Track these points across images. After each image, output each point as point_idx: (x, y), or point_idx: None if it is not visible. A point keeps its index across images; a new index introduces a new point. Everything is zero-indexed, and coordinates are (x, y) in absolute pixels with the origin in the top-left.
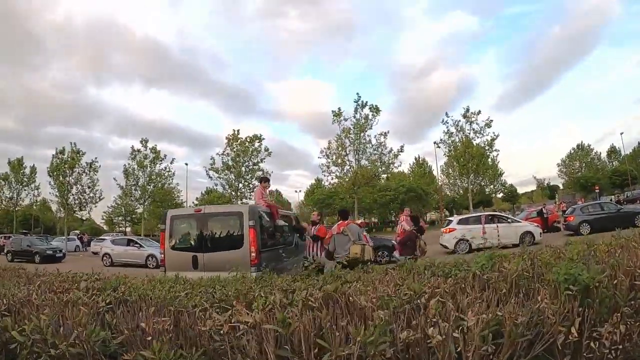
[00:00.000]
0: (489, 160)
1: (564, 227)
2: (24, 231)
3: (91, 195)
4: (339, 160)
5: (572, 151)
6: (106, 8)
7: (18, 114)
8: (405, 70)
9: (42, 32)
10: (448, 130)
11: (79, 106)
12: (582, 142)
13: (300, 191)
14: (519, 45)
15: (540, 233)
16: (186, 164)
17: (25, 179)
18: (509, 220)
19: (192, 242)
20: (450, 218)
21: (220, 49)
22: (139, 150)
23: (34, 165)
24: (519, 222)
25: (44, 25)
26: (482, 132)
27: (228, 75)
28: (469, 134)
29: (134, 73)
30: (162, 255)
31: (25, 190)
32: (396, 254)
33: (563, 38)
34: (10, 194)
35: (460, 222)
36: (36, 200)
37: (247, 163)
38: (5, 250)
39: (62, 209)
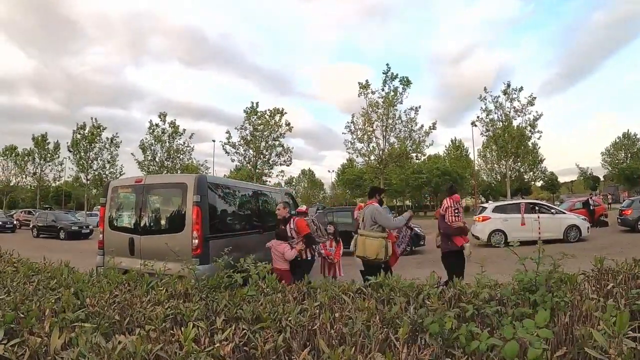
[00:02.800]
0: (530, 144)
1: (619, 222)
2: (46, 206)
3: (111, 170)
4: (365, 137)
5: (618, 140)
6: None
7: (59, 96)
8: (444, 54)
9: (81, 18)
10: (486, 107)
11: (119, 88)
12: (628, 131)
13: (333, 171)
14: (559, 31)
15: (588, 228)
16: (213, 141)
17: (48, 155)
18: (552, 210)
19: (131, 221)
20: (484, 205)
21: (257, 33)
22: (157, 125)
23: (57, 141)
24: (563, 213)
25: (84, 12)
26: (523, 110)
27: (266, 58)
28: (509, 112)
29: (173, 56)
30: (101, 236)
31: (49, 165)
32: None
33: (606, 24)
34: (34, 169)
35: (496, 210)
36: (60, 176)
37: (267, 138)
38: (30, 225)
39: (89, 185)
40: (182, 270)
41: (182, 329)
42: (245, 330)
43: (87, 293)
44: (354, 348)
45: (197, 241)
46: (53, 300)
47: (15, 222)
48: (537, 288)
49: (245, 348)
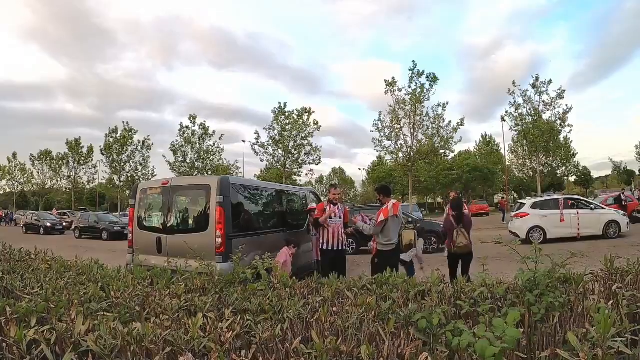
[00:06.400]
0: (561, 138)
1: None
2: (81, 207)
3: (144, 172)
4: (392, 134)
5: None
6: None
7: (93, 101)
8: (472, 49)
9: (113, 26)
10: (515, 101)
11: (151, 92)
12: None
13: (363, 169)
14: (590, 21)
15: (628, 223)
16: (243, 141)
17: (82, 159)
18: (591, 206)
19: (158, 221)
20: (522, 201)
21: (285, 33)
22: (187, 127)
23: (90, 144)
24: (603, 208)
25: (115, 20)
26: (553, 104)
27: (294, 58)
28: (539, 106)
29: (203, 59)
30: (131, 235)
31: (83, 168)
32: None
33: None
34: (69, 172)
35: (534, 206)
36: (94, 178)
37: (295, 138)
38: (72, 227)
39: (122, 186)
40: (203, 267)
41: (193, 318)
42: (249, 321)
43: (113, 287)
44: (340, 339)
45: (220, 240)
46: (81, 293)
47: (64, 224)
48: (536, 287)
49: (247, 337)
